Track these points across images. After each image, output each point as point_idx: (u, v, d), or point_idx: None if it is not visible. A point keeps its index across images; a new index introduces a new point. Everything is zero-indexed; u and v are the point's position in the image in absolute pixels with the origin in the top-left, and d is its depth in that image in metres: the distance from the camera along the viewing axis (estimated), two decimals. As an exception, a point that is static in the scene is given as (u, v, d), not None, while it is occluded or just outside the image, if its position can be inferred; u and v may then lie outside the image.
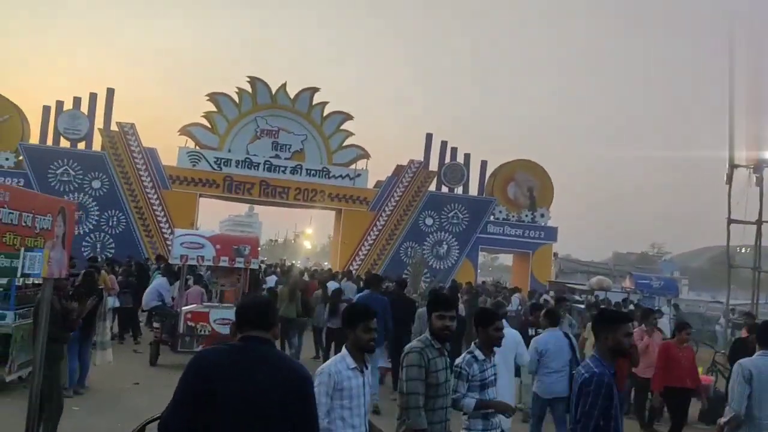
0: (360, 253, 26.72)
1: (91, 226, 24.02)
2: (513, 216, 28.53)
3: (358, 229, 26.70)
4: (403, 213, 27.12)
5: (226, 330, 10.03)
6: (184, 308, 10.14)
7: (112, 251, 23.49)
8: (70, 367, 7.33)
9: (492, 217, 28.19)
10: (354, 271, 24.49)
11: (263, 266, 23.14)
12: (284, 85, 26.31)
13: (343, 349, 3.76)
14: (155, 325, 10.53)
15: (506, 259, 75.21)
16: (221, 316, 10.05)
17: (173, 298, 11.81)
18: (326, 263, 51.05)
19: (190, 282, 13.12)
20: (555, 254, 31.44)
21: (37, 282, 8.01)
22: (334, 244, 32.24)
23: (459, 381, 4.33)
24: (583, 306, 16.21)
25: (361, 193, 26.86)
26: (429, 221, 27.42)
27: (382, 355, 9.74)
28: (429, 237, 27.40)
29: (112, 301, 11.33)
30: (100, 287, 8.21)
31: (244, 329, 2.67)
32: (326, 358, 11.73)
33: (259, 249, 12.65)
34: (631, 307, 15.41)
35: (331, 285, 14.49)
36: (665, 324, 14.45)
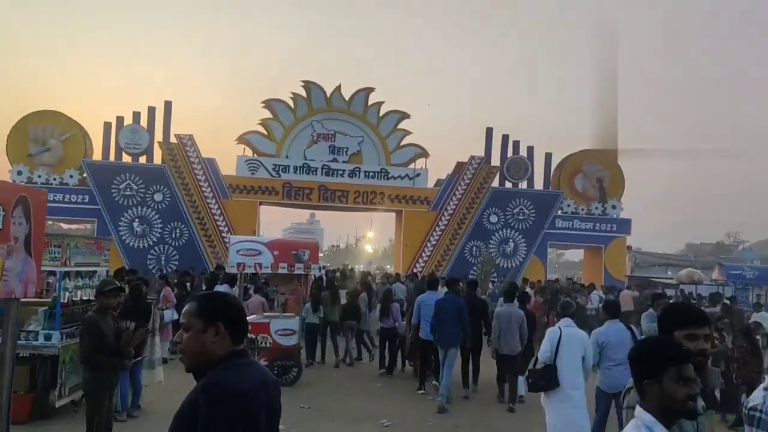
0: (423, 254, 25.94)
1: (155, 239, 24.18)
2: (582, 209, 27.15)
3: (420, 229, 25.94)
4: (465, 211, 26.18)
5: (288, 341, 9.47)
6: (243, 319, 9.62)
7: (177, 263, 23.57)
8: (121, 388, 6.81)
9: (560, 212, 26.89)
10: (419, 273, 23.82)
11: (324, 271, 22.66)
12: (339, 87, 25.88)
13: (640, 413, 2.41)
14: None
15: (572, 254, 72.94)
16: (283, 327, 9.47)
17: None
18: (389, 266, 50.56)
19: (251, 291, 12.63)
20: (629, 247, 29.72)
21: (86, 298, 7.60)
22: (396, 246, 31.53)
23: (753, 429, 2.88)
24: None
25: (422, 193, 26.10)
26: (493, 219, 26.37)
27: (457, 355, 9.60)
28: (494, 235, 26.35)
29: (170, 315, 10.97)
30: (149, 301, 7.70)
31: (239, 339, 2.33)
32: (382, 358, 11.70)
33: (321, 255, 12.15)
34: (726, 301, 14.01)
35: (396, 287, 14.95)
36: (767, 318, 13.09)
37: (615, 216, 27.33)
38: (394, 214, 28.14)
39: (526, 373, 6.70)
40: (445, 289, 10.49)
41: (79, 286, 7.25)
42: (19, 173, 23.38)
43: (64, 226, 46.07)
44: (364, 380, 10.86)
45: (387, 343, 11.69)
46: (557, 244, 29.11)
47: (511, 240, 26.37)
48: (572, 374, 6.08)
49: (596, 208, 27.16)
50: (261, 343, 9.28)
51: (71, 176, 23.82)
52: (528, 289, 15.26)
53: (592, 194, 27.35)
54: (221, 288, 11.52)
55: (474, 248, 26.04)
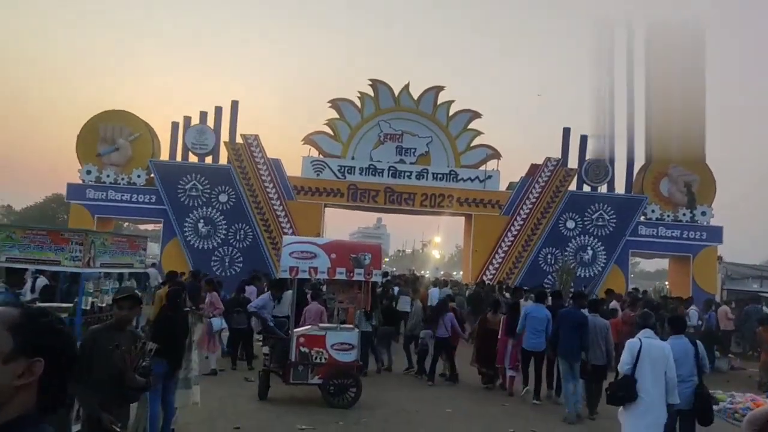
0: (494, 261, 24.52)
1: (219, 241, 23.82)
2: (668, 215, 25.07)
3: (491, 235, 24.54)
4: (540, 216, 24.61)
5: (346, 357, 8.47)
6: (296, 331, 8.66)
7: (240, 266, 23.15)
8: (151, 411, 5.91)
9: (643, 218, 24.92)
10: (488, 281, 22.55)
11: (388, 278, 21.64)
12: (407, 86, 24.89)
13: None
14: (265, 351, 9.17)
15: (648, 264, 68.89)
16: (340, 340, 8.47)
17: (286, 318, 10.37)
18: (455, 273, 49.18)
19: (309, 297, 11.71)
20: (719, 258, 27.31)
21: (111, 304, 6.79)
22: (465, 252, 30.19)
23: None
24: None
25: (493, 196, 24.71)
26: (570, 224, 24.68)
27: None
28: (571, 242, 24.63)
29: (218, 323, 10.19)
30: (186, 309, 6.81)
31: (47, 403, 1.34)
32: (432, 368, 11.05)
33: (387, 260, 11.24)
34: None
35: (433, 293, 15.35)
36: None
37: (705, 223, 25.15)
38: (462, 218, 26.87)
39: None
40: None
41: (106, 290, 6.46)
42: (89, 172, 23.53)
43: (141, 227, 46.90)
44: (430, 400, 9.71)
45: (441, 353, 11.41)
46: (640, 252, 27.07)
47: (589, 247, 24.61)
48: (652, 387, 5.83)
49: (684, 214, 25.05)
50: (315, 359, 8.29)
51: (139, 176, 23.77)
52: (615, 302, 13.78)
53: (679, 199, 25.24)
54: (261, 297, 10.68)
55: (549, 256, 24.46)
